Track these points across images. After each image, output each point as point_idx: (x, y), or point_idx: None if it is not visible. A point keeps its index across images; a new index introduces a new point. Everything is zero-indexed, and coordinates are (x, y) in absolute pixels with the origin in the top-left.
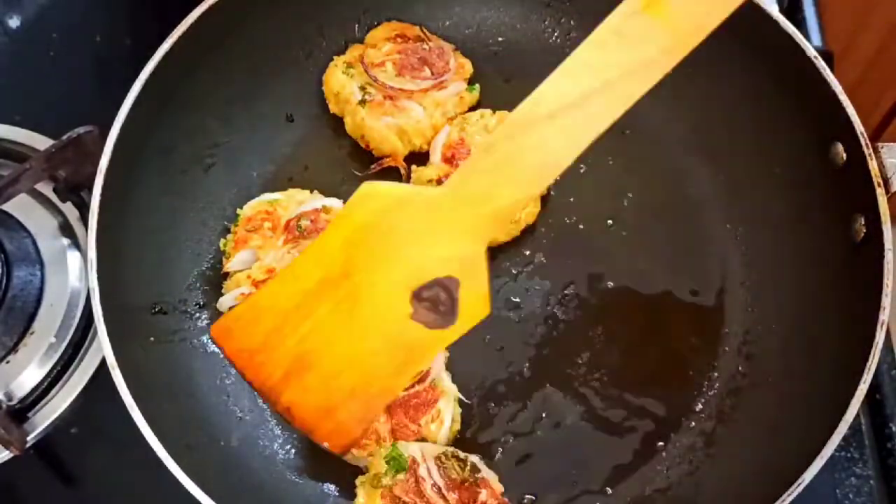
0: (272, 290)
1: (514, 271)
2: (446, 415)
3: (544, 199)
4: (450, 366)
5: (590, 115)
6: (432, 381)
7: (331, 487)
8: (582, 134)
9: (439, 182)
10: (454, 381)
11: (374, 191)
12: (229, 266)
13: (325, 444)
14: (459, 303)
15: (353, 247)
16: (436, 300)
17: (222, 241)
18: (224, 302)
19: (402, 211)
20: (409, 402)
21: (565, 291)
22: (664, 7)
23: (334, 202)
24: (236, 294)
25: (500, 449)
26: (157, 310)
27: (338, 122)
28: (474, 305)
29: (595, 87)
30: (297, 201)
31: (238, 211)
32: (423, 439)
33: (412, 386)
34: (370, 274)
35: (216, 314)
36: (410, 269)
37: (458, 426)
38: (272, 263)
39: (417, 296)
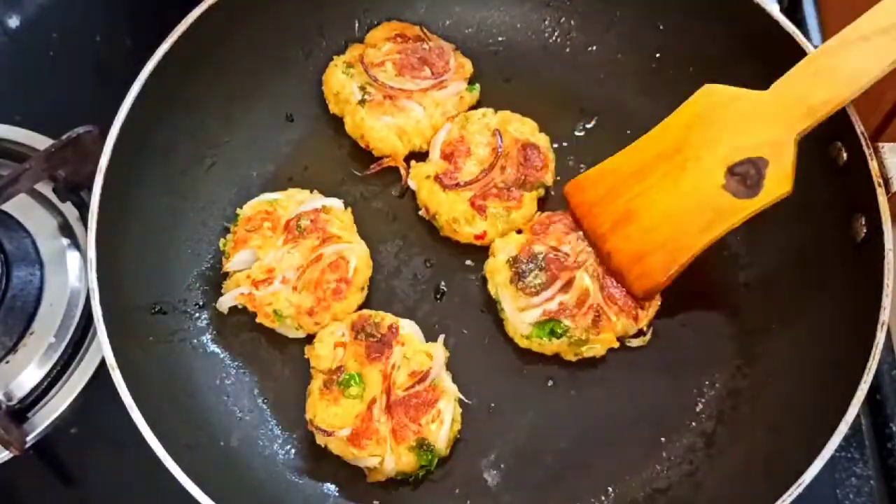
0: (620, 157)
1: None
2: (446, 415)
3: (543, 200)
4: (450, 365)
5: (890, 43)
6: (433, 382)
7: (331, 487)
8: (886, 54)
9: (437, 178)
10: (454, 381)
11: (713, 89)
12: (229, 266)
13: (631, 289)
14: (766, 179)
15: (689, 129)
16: (745, 175)
17: (222, 241)
18: (224, 302)
19: (733, 104)
20: (409, 402)
21: None
22: None
23: (334, 202)
24: (236, 294)
25: (501, 449)
26: (157, 310)
27: (338, 122)
28: (778, 182)
29: None
30: (297, 201)
31: (238, 211)
32: (425, 440)
33: (413, 386)
34: (697, 150)
35: (216, 314)
36: (730, 148)
37: (458, 426)
38: (272, 263)
39: (731, 170)
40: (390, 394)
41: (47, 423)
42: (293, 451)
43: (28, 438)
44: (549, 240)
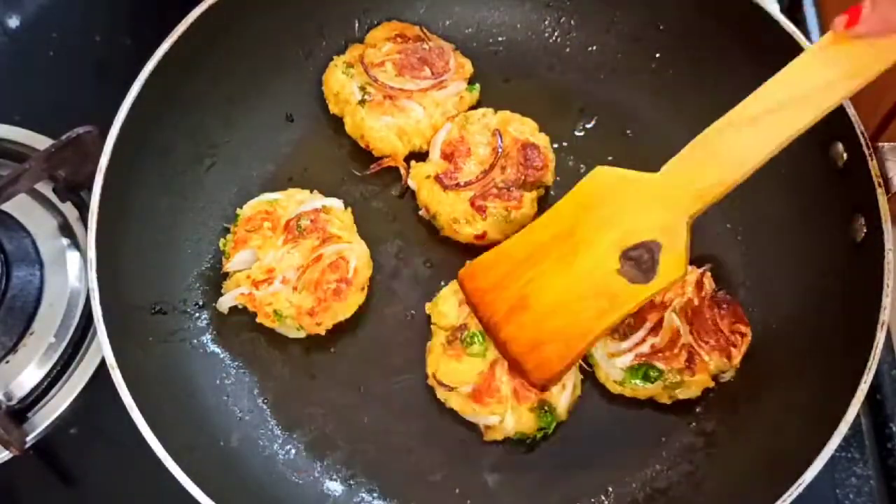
0: (513, 241)
1: None
2: (568, 379)
3: (543, 200)
4: None
5: (783, 120)
6: None
7: (331, 488)
8: (776, 136)
9: (437, 178)
10: None
11: (606, 171)
12: (229, 266)
13: (529, 379)
14: (659, 263)
15: (582, 211)
16: (639, 259)
17: (222, 241)
18: (224, 302)
19: (625, 186)
20: None
21: None
22: (848, 43)
23: (334, 202)
24: (236, 294)
25: (501, 449)
26: (157, 310)
27: (338, 122)
28: (672, 266)
29: (790, 99)
30: (297, 201)
31: (238, 211)
32: (546, 402)
33: None
34: (591, 233)
35: (216, 314)
36: (623, 231)
37: (579, 391)
38: (272, 263)
39: (625, 254)
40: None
41: (47, 423)
42: (293, 451)
43: (28, 438)
44: None
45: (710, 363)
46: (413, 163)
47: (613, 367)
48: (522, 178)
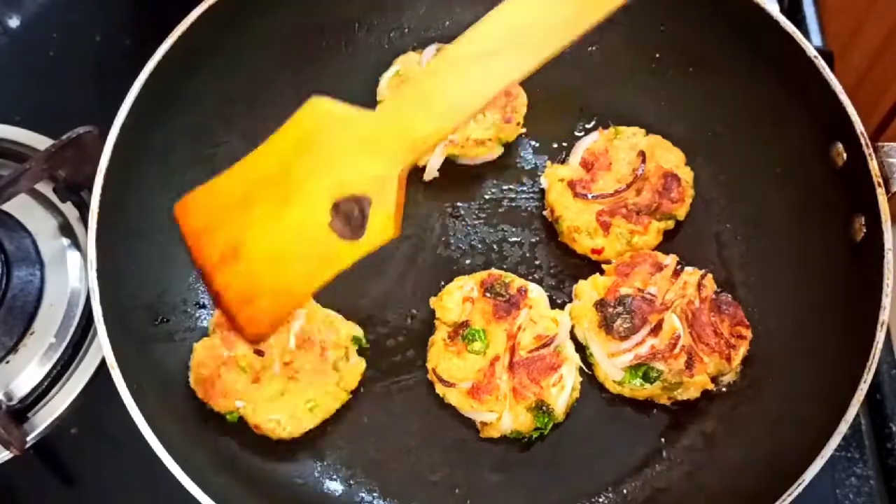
0: (226, 177)
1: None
2: (568, 380)
3: (669, 233)
4: None
5: (503, 63)
6: (557, 347)
7: (331, 488)
8: (494, 80)
9: (570, 184)
10: None
11: (320, 104)
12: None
13: (242, 333)
14: (368, 221)
15: (294, 151)
16: (350, 214)
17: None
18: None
19: (340, 126)
20: (533, 363)
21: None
22: None
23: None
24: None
25: (501, 449)
26: (157, 310)
27: None
28: (380, 225)
29: (510, 40)
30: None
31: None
32: (544, 403)
33: (537, 349)
34: (303, 178)
35: (215, 314)
36: (335, 180)
37: (577, 394)
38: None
39: (336, 207)
40: (514, 353)
41: (47, 423)
42: (294, 451)
43: (28, 438)
44: (635, 281)
45: (708, 365)
46: (549, 163)
47: (613, 367)
48: (655, 205)
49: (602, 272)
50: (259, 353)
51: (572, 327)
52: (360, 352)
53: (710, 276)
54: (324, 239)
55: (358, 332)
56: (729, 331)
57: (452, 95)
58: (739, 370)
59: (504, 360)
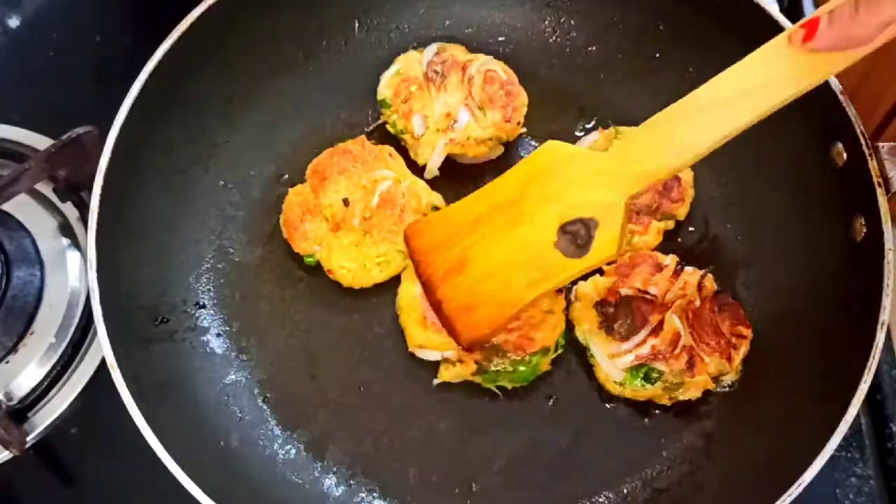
0: (461, 204)
1: None
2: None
3: (669, 233)
4: None
5: (730, 114)
6: None
7: (331, 488)
8: (720, 128)
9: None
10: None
11: (555, 146)
12: (416, 133)
13: (458, 339)
14: (594, 240)
15: (528, 183)
16: (576, 234)
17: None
18: (434, 163)
19: (572, 162)
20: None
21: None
22: (800, 47)
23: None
24: (442, 147)
25: (502, 449)
26: (157, 310)
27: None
28: (605, 245)
29: (739, 93)
30: (414, 59)
31: (379, 97)
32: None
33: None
34: (535, 205)
35: (216, 314)
36: (565, 206)
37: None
38: (443, 110)
39: (563, 228)
40: None
41: (47, 423)
42: (293, 451)
43: (28, 438)
44: (635, 281)
45: (709, 364)
46: None
47: (614, 368)
48: (655, 206)
49: (602, 273)
50: (346, 202)
51: (573, 328)
52: None
53: (710, 276)
54: (547, 255)
55: (440, 202)
56: (729, 330)
57: (682, 138)
58: (740, 370)
59: None
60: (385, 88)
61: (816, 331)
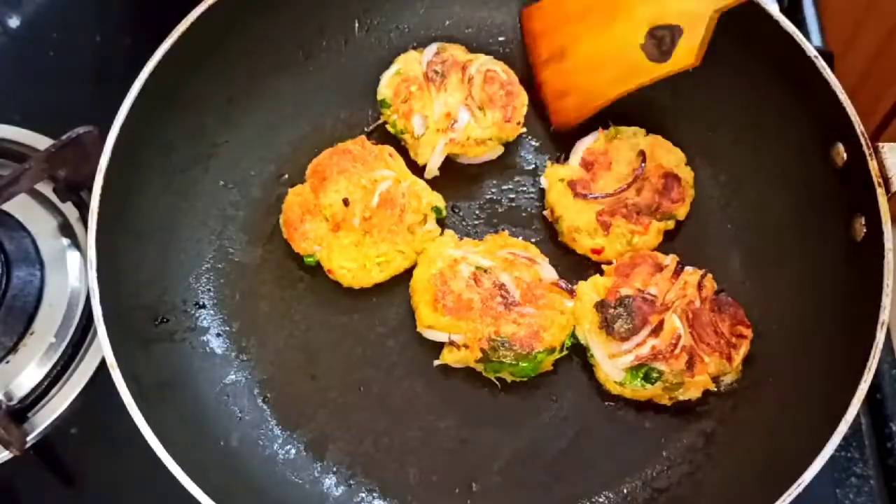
0: None
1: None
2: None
3: (670, 233)
4: None
5: None
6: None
7: (331, 488)
8: None
9: (570, 184)
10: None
11: None
12: (416, 134)
13: (551, 119)
14: (677, 47)
15: None
16: (661, 39)
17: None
18: (435, 163)
19: None
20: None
21: None
22: None
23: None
24: (442, 147)
25: (502, 449)
26: (157, 310)
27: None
28: (685, 53)
29: None
30: (414, 59)
31: (380, 97)
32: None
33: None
34: (630, 5)
35: (216, 314)
36: (656, 10)
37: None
38: (443, 110)
39: (652, 32)
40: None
41: (47, 423)
42: (293, 451)
43: (28, 438)
44: (635, 282)
45: (709, 365)
46: (550, 163)
47: (614, 368)
48: (656, 205)
49: (602, 273)
50: (346, 202)
51: (573, 328)
52: (440, 222)
53: (709, 276)
54: (634, 54)
55: (440, 202)
56: (729, 331)
57: None
58: (740, 370)
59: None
60: (385, 88)
61: (816, 331)
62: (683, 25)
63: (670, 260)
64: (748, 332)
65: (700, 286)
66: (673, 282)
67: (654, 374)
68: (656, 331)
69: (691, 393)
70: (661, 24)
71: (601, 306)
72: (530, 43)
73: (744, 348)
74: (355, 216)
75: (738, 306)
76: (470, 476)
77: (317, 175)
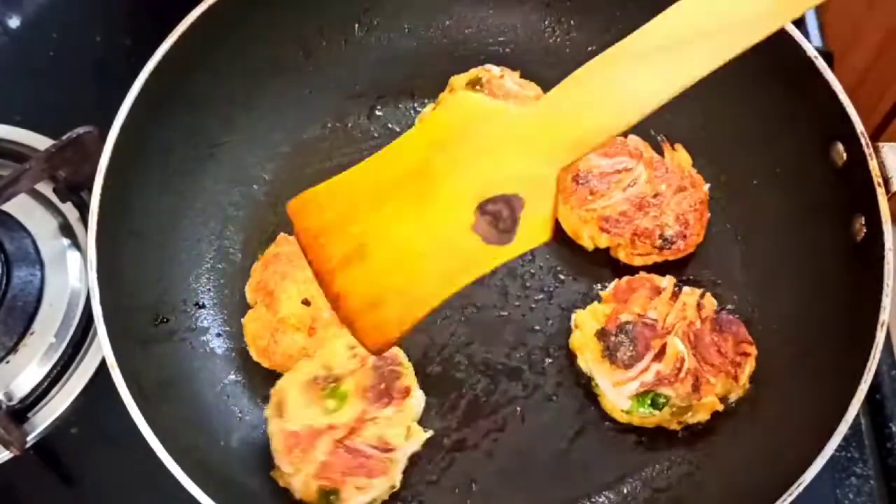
0: (351, 176)
1: (518, 270)
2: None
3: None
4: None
5: (681, 62)
6: (389, 459)
7: None
8: (671, 80)
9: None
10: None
11: (466, 99)
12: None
13: (363, 342)
14: (519, 223)
15: (435, 148)
16: (498, 215)
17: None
18: None
19: (488, 122)
20: (358, 455)
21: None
22: None
23: None
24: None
25: (501, 449)
26: (157, 310)
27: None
28: (534, 228)
29: (691, 36)
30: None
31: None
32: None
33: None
34: (444, 177)
35: (216, 314)
36: (482, 179)
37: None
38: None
39: (482, 208)
40: (352, 434)
41: (47, 423)
42: None
43: (28, 438)
44: (634, 307)
45: (716, 385)
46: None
47: (620, 397)
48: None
49: (600, 299)
50: (306, 303)
51: (575, 358)
52: None
53: (708, 294)
54: (465, 241)
55: None
56: (733, 349)
57: (628, 91)
58: (747, 387)
59: (337, 433)
60: None
61: (816, 331)
62: (523, 194)
63: (667, 282)
64: (752, 350)
65: (699, 306)
66: (672, 304)
67: (661, 400)
68: (659, 355)
69: (700, 416)
70: (493, 195)
71: (602, 335)
72: (307, 246)
73: (749, 366)
74: (322, 311)
75: (739, 324)
76: (470, 476)
77: (262, 292)
